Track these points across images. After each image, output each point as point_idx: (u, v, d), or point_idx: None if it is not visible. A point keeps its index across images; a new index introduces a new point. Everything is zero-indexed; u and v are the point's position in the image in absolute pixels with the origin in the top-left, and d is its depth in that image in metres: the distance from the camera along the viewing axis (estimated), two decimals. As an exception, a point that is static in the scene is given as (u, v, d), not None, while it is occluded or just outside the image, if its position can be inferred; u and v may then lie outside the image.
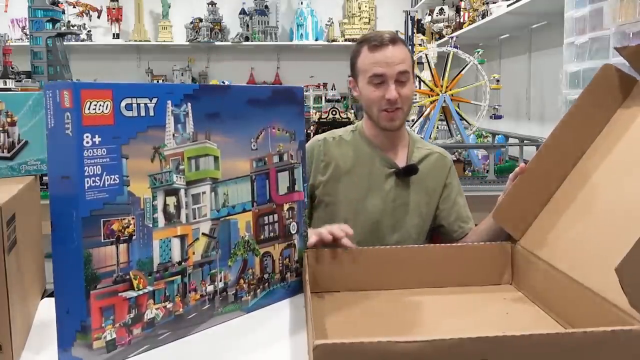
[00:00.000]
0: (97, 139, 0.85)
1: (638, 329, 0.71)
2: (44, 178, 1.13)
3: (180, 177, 0.96)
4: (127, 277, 0.89)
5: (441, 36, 4.17)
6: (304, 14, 5.19)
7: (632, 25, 1.57)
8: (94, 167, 0.85)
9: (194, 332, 0.99)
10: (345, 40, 5.16)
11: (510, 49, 3.79)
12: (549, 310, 1.04)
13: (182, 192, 0.97)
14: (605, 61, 1.16)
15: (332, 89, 4.65)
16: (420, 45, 3.34)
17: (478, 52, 2.93)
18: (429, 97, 2.80)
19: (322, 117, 2.94)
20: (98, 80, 4.34)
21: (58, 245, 0.86)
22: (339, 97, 3.42)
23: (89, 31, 5.08)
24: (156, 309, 0.93)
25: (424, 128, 2.82)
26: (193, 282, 0.99)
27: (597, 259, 0.93)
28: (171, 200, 0.95)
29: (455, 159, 2.61)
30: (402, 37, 3.16)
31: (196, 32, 5.09)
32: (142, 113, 0.90)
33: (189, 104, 0.97)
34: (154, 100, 0.92)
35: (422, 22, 4.40)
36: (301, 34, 5.20)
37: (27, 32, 3.92)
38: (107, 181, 0.86)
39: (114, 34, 5.16)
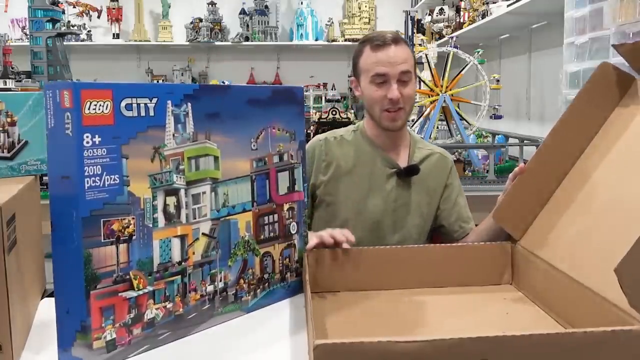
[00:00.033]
0: (97, 139, 0.85)
1: (638, 329, 0.71)
2: (44, 178, 1.13)
3: (180, 177, 0.96)
4: (127, 277, 0.89)
5: (441, 36, 4.17)
6: (304, 14, 5.19)
7: (632, 25, 1.57)
8: (94, 167, 0.85)
9: (194, 332, 0.99)
10: (345, 40, 5.16)
11: (510, 49, 3.79)
12: (549, 310, 1.04)
13: (182, 192, 0.97)
14: (605, 61, 1.16)
15: (332, 89, 4.65)
16: (420, 45, 3.34)
17: (478, 52, 2.93)
18: (429, 97, 2.80)
19: (322, 117, 2.94)
20: (98, 80, 4.34)
21: (58, 245, 0.86)
22: (339, 97, 3.42)
23: (89, 31, 5.07)
24: (156, 309, 0.93)
25: (424, 128, 2.82)
26: (193, 282, 0.99)
27: (597, 259, 0.93)
28: (171, 200, 0.95)
29: (455, 159, 2.60)
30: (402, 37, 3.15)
31: (196, 32, 5.09)
32: (142, 113, 0.90)
33: (189, 104, 0.97)
34: (154, 100, 0.92)
35: (422, 22, 4.40)
36: (301, 34, 5.20)
37: (27, 32, 3.91)
38: (107, 181, 0.86)
39: (114, 34, 5.16)
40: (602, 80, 1.13)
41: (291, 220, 1.16)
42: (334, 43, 5.21)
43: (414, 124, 2.94)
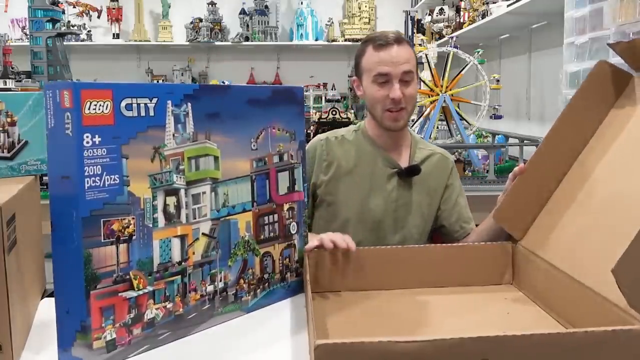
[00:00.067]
0: (97, 139, 0.85)
1: (638, 329, 0.71)
2: (44, 178, 1.13)
3: (180, 177, 0.96)
4: (127, 277, 0.89)
5: (441, 36, 4.16)
6: (304, 14, 5.19)
7: (632, 25, 1.57)
8: (94, 167, 0.85)
9: (194, 332, 0.99)
10: (345, 40, 5.16)
11: (510, 49, 3.79)
12: (549, 310, 1.04)
13: (182, 192, 0.97)
14: (603, 60, 1.16)
15: (332, 89, 4.65)
16: (420, 45, 3.34)
17: (478, 52, 2.93)
18: (429, 97, 2.80)
19: (322, 117, 2.94)
20: (98, 80, 4.34)
21: (58, 245, 0.86)
22: (339, 97, 3.41)
23: (89, 31, 5.07)
24: (156, 309, 0.93)
25: (424, 128, 2.82)
26: (193, 282, 0.99)
27: (597, 259, 0.93)
28: (171, 200, 0.95)
29: (455, 159, 2.60)
30: (402, 37, 3.15)
31: (196, 32, 5.09)
32: (142, 113, 0.90)
33: (189, 104, 0.97)
34: (154, 100, 0.92)
35: (422, 22, 4.40)
36: (301, 34, 5.20)
37: (27, 32, 3.91)
38: (107, 181, 0.86)
39: (114, 34, 5.16)
40: (600, 79, 1.13)
41: (291, 220, 1.16)
42: (334, 43, 5.21)
43: (414, 124, 2.94)
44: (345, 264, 1.18)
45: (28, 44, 3.26)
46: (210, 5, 5.12)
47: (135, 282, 0.90)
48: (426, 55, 2.87)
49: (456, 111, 2.74)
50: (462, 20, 3.78)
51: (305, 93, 4.36)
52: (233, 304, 1.06)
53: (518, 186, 1.19)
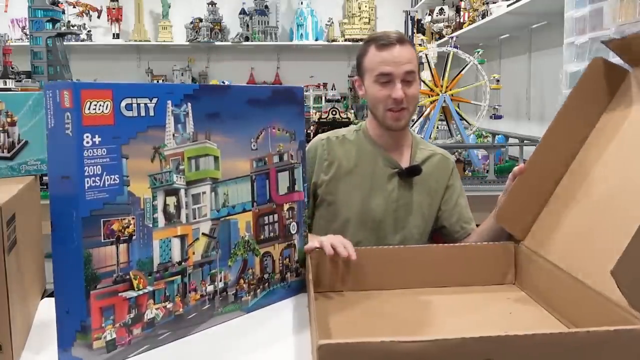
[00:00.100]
0: (97, 139, 0.85)
1: None
2: (44, 178, 1.13)
3: (180, 177, 0.96)
4: (127, 277, 0.89)
5: (441, 36, 4.16)
6: (304, 14, 5.19)
7: (632, 25, 1.57)
8: (94, 167, 0.85)
9: (194, 332, 0.99)
10: (345, 40, 5.15)
11: (510, 49, 3.79)
12: (552, 310, 1.04)
13: (182, 192, 0.97)
14: (597, 57, 1.16)
15: (332, 89, 4.65)
16: (420, 45, 3.34)
17: (478, 52, 2.93)
18: (429, 97, 2.80)
19: (322, 117, 2.94)
20: (98, 80, 4.34)
21: (58, 245, 0.86)
22: (339, 97, 3.41)
23: (89, 31, 5.07)
24: (156, 309, 0.93)
25: (424, 128, 2.82)
26: (193, 282, 0.99)
27: (599, 259, 0.92)
28: (171, 200, 0.95)
29: (455, 159, 2.60)
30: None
31: (196, 32, 5.09)
32: (142, 113, 0.90)
33: (189, 104, 0.97)
34: (154, 100, 0.92)
35: (422, 22, 4.40)
36: (301, 34, 5.20)
37: (27, 32, 3.91)
38: (107, 181, 0.86)
39: (114, 34, 5.16)
40: (595, 76, 1.13)
41: (291, 220, 1.16)
42: (334, 43, 5.21)
43: (414, 124, 2.94)
44: (346, 264, 1.18)
45: (28, 44, 3.26)
46: (210, 5, 5.12)
47: (135, 282, 0.90)
48: (426, 55, 2.87)
49: (456, 111, 2.74)
50: (462, 20, 3.78)
51: (305, 93, 4.36)
52: (233, 304, 1.06)
53: (518, 186, 1.19)
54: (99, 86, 0.86)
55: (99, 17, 5.07)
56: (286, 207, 1.15)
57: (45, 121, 0.86)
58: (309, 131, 3.01)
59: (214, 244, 1.02)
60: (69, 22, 4.44)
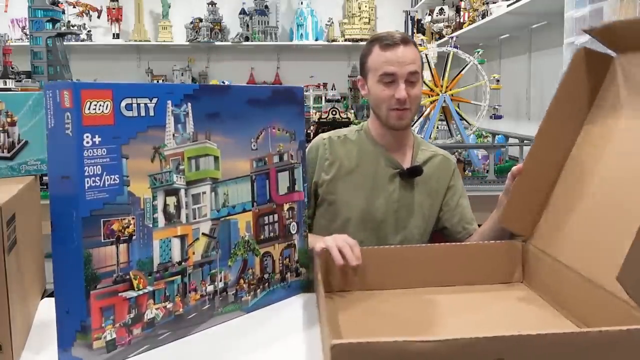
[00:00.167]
0: (97, 139, 0.85)
1: None
2: (44, 178, 1.13)
3: (180, 177, 0.96)
4: (127, 277, 0.89)
5: (441, 36, 4.16)
6: (304, 14, 5.19)
7: (632, 25, 1.56)
8: (94, 167, 0.85)
9: (194, 332, 0.99)
10: (345, 40, 5.15)
11: (510, 49, 3.79)
12: (560, 308, 1.04)
13: (182, 192, 0.97)
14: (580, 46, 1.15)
15: (332, 89, 4.65)
16: (420, 45, 3.33)
17: (478, 52, 2.93)
18: (429, 97, 2.80)
19: (322, 117, 2.93)
20: (98, 80, 4.34)
21: (58, 245, 0.86)
22: (339, 97, 3.41)
23: (89, 31, 5.07)
24: (156, 309, 0.93)
25: (424, 128, 2.82)
26: (193, 282, 0.99)
27: (607, 257, 0.92)
28: (171, 200, 0.95)
29: (455, 159, 2.60)
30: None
31: (196, 32, 5.09)
32: (142, 113, 0.90)
33: (189, 104, 0.97)
34: (154, 100, 0.92)
35: (422, 22, 4.40)
36: (301, 34, 5.20)
37: (27, 32, 3.91)
38: (107, 181, 0.86)
39: (114, 34, 5.16)
40: (580, 66, 1.11)
41: (291, 220, 1.16)
42: (334, 43, 5.21)
43: (414, 124, 2.94)
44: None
45: (28, 44, 3.26)
46: (210, 5, 5.12)
47: (135, 282, 0.90)
48: (426, 55, 2.87)
49: (456, 111, 2.74)
50: (462, 20, 3.78)
51: (305, 93, 4.36)
52: (233, 304, 1.06)
53: (518, 186, 1.19)
54: (99, 86, 0.86)
55: (99, 17, 5.07)
56: (286, 207, 1.15)
57: (45, 121, 0.86)
58: (309, 131, 3.01)
59: (214, 244, 1.02)
60: (69, 22, 4.44)
